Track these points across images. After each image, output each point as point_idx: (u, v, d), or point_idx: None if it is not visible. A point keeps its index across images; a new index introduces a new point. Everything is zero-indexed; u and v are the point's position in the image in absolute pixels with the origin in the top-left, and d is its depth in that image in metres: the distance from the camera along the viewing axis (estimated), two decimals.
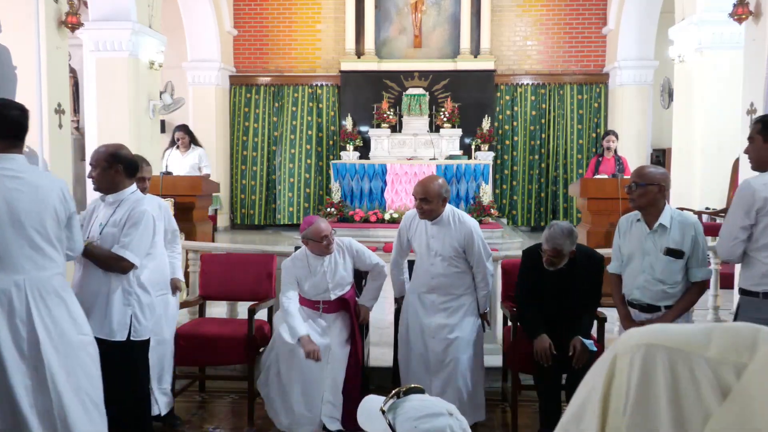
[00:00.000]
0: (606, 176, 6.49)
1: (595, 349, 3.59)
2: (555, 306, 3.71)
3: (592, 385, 0.77)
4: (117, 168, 3.11)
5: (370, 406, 1.51)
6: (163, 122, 11.36)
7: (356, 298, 4.00)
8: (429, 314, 3.76)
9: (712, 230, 7.52)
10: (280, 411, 3.71)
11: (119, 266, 3.04)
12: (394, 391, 1.49)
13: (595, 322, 3.86)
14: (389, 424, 1.42)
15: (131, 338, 3.09)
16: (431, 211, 3.64)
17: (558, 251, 3.53)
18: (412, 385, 1.51)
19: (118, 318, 3.05)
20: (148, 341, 3.25)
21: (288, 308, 3.78)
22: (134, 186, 3.22)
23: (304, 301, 3.93)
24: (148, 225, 3.10)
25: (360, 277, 4.12)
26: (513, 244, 9.09)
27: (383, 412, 1.46)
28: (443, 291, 3.75)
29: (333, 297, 3.87)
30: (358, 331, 3.87)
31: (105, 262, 3.05)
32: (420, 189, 3.64)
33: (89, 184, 9.16)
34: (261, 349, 4.19)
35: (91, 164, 3.16)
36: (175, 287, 3.91)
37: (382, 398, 1.48)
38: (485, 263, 3.78)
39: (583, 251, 3.85)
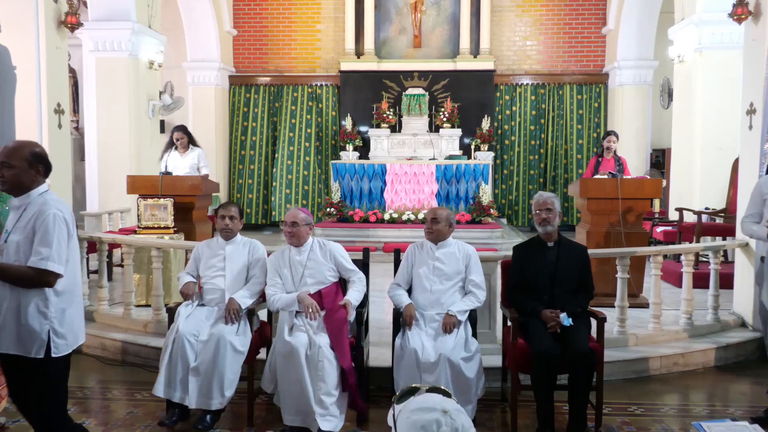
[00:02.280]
0: (606, 176, 6.48)
1: (570, 323, 3.72)
2: (547, 299, 3.87)
3: None
4: (38, 168, 2.80)
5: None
6: (162, 122, 11.36)
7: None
8: (426, 321, 3.96)
9: (712, 230, 7.53)
10: (284, 406, 3.75)
11: (44, 281, 2.69)
12: (413, 386, 1.53)
13: (595, 321, 3.87)
14: (392, 416, 1.46)
15: (51, 355, 2.74)
16: (439, 232, 4.07)
17: (549, 208, 3.90)
18: (440, 387, 1.55)
19: (34, 334, 2.70)
20: (68, 357, 2.87)
21: (272, 296, 3.99)
22: (45, 186, 2.86)
23: None
24: (61, 227, 2.72)
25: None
26: (512, 244, 9.07)
27: (393, 404, 1.49)
28: (439, 307, 3.98)
29: (312, 290, 3.98)
30: (346, 329, 3.88)
31: (23, 279, 2.68)
32: (430, 212, 4.16)
33: (89, 184, 9.15)
34: (261, 350, 4.20)
35: (4, 162, 2.76)
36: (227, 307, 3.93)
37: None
38: (484, 287, 4.08)
39: (568, 242, 4.09)
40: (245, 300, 4.01)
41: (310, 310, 3.82)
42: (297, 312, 3.96)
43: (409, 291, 4.16)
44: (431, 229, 4.07)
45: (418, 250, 4.17)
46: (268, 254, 4.45)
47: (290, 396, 3.71)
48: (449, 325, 3.87)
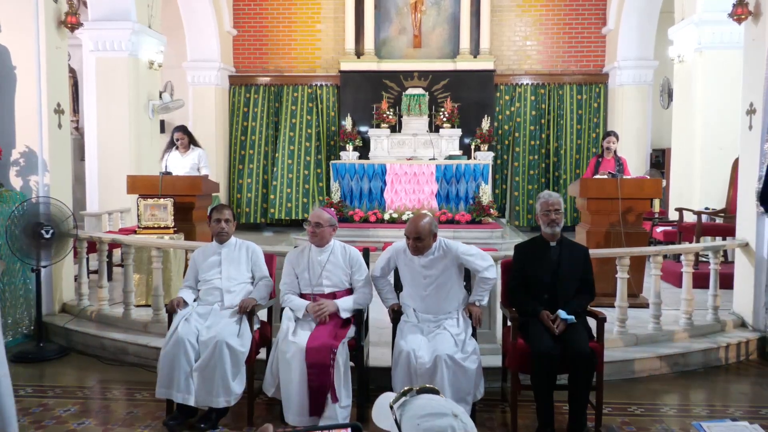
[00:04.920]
0: (606, 176, 6.48)
1: (573, 319, 3.74)
2: (547, 298, 3.88)
3: None
4: None
5: (383, 402, 1.52)
6: (162, 122, 11.35)
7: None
8: (422, 321, 3.94)
9: (712, 230, 7.53)
10: (288, 407, 3.74)
11: None
12: (405, 389, 1.50)
13: (595, 321, 3.86)
14: (395, 421, 1.43)
15: None
16: (424, 248, 3.88)
17: (558, 209, 3.91)
18: (427, 386, 1.52)
19: None
20: None
21: (285, 294, 4.10)
22: None
23: (303, 297, 4.12)
24: None
25: None
26: (513, 244, 9.06)
27: (392, 408, 1.47)
28: (435, 310, 3.96)
29: (326, 291, 4.04)
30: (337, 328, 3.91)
31: None
32: (413, 229, 3.85)
33: (89, 184, 9.15)
34: (261, 350, 4.21)
35: None
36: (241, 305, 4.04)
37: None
38: (488, 259, 3.98)
39: (570, 242, 4.10)
40: (260, 303, 4.12)
41: (318, 314, 3.87)
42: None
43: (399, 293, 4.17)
44: (416, 247, 3.87)
45: (402, 255, 4.04)
46: (269, 254, 4.46)
47: (296, 395, 3.70)
48: (479, 315, 3.91)
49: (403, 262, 4.04)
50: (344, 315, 3.97)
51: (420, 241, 3.85)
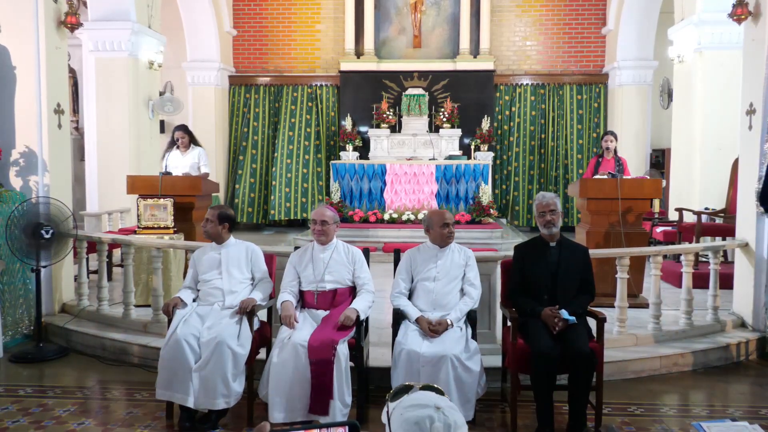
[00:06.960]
0: (605, 176, 6.48)
1: (573, 320, 3.74)
2: (547, 299, 3.88)
3: None
4: None
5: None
6: (162, 122, 11.36)
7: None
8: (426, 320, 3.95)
9: (711, 230, 7.53)
10: (275, 405, 3.72)
11: None
12: (406, 384, 1.54)
13: (594, 321, 3.87)
14: (386, 413, 1.48)
15: None
16: (453, 235, 4.13)
17: (553, 209, 3.92)
18: (430, 384, 1.55)
19: None
20: None
21: (279, 298, 4.12)
22: None
23: (305, 294, 4.15)
24: None
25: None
26: (512, 244, 9.05)
27: (387, 402, 1.51)
28: (440, 305, 4.00)
29: (328, 287, 4.08)
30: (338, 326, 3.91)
31: None
32: (443, 216, 4.13)
33: (89, 184, 9.14)
34: (261, 350, 4.21)
35: None
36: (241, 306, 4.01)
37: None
38: (479, 285, 4.12)
39: (569, 243, 4.10)
40: (260, 304, 4.11)
41: (288, 321, 3.87)
42: (303, 307, 4.11)
43: (409, 296, 4.16)
44: (451, 232, 4.09)
45: (418, 254, 4.16)
46: (269, 254, 4.47)
47: (288, 391, 3.70)
48: (442, 326, 3.85)
49: (419, 259, 4.13)
50: (363, 316, 3.99)
51: (453, 226, 4.11)
